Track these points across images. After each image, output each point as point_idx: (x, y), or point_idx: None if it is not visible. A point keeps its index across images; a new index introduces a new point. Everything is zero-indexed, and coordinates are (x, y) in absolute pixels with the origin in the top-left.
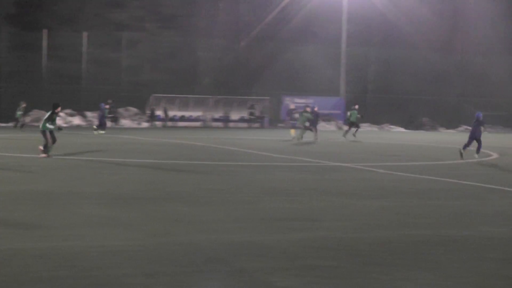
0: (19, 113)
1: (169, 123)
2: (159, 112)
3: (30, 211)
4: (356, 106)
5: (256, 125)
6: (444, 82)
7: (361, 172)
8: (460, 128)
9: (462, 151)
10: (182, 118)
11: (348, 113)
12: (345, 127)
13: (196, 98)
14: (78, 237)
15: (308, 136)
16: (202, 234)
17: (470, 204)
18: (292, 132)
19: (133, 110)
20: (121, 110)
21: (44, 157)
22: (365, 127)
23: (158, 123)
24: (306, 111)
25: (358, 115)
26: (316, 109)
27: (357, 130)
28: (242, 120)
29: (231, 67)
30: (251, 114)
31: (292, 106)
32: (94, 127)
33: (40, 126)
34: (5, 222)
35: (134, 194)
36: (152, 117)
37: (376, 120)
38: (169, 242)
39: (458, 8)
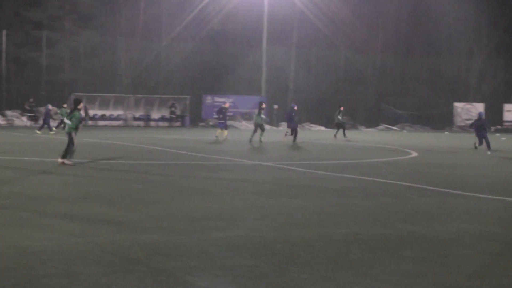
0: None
1: (90, 122)
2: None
3: None
4: (342, 108)
5: (177, 124)
6: (363, 82)
7: (280, 171)
8: (380, 127)
9: (476, 145)
10: (103, 117)
11: (336, 118)
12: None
13: (117, 97)
14: None
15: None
16: (120, 234)
17: (388, 203)
18: (219, 132)
19: (54, 109)
20: (41, 109)
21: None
22: (284, 126)
23: None
24: (341, 110)
25: (339, 117)
26: (295, 108)
27: (344, 131)
28: (163, 119)
29: (152, 67)
30: (172, 113)
31: (226, 105)
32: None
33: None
34: None
35: (53, 194)
36: None
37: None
38: (87, 242)
39: (378, 8)
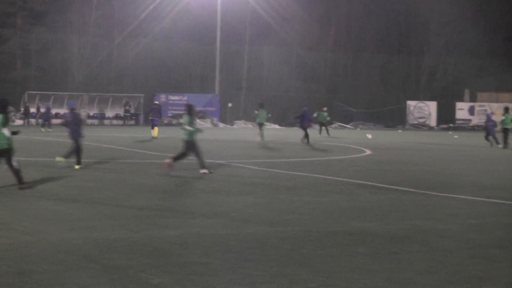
0: None
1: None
2: (33, 110)
3: None
4: (325, 108)
5: (131, 122)
6: (315, 79)
7: (233, 168)
8: (334, 125)
9: (492, 141)
10: (57, 116)
11: (315, 114)
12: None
13: (71, 95)
14: None
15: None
16: (72, 232)
17: (340, 200)
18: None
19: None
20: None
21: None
22: (239, 124)
23: (32, 121)
24: (324, 110)
25: (328, 118)
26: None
27: (327, 129)
28: (117, 117)
29: (104, 64)
30: (126, 111)
31: (156, 102)
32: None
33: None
34: None
35: (2, 191)
36: (26, 115)
37: (251, 117)
38: (40, 240)
39: (329, 6)
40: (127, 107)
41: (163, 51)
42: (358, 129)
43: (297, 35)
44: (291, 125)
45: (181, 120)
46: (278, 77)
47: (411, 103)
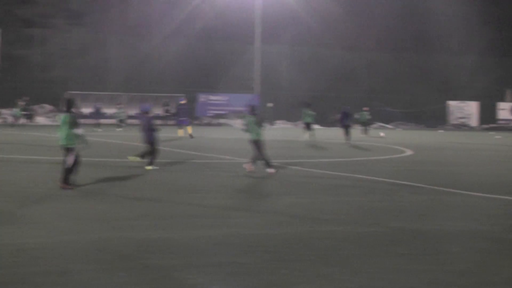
0: (15, 110)
1: (84, 120)
2: (73, 109)
3: None
4: (366, 108)
5: (172, 122)
6: (355, 80)
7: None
8: (374, 125)
9: None
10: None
11: (357, 115)
12: (359, 127)
13: (111, 95)
14: None
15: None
16: (113, 232)
17: (379, 200)
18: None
19: (48, 107)
20: (35, 107)
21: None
22: (279, 124)
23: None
24: (364, 110)
25: (369, 117)
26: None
27: (366, 129)
28: (157, 117)
29: (144, 64)
30: (166, 111)
31: (183, 102)
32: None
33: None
34: None
35: (45, 192)
36: None
37: (290, 117)
38: (80, 240)
39: (370, 6)
40: (167, 107)
41: (203, 50)
42: (399, 129)
43: (337, 35)
44: (331, 125)
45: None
46: (317, 77)
47: (451, 103)
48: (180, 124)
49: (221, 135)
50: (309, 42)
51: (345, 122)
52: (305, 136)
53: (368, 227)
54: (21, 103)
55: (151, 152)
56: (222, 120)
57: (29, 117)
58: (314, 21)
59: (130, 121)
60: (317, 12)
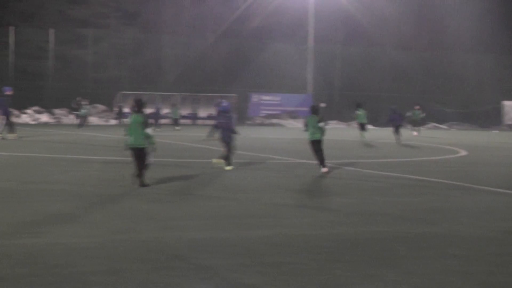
0: (83, 111)
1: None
2: (126, 109)
3: None
4: (417, 107)
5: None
6: (408, 79)
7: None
8: (428, 125)
9: None
10: (150, 115)
11: (410, 113)
12: (408, 126)
13: (164, 95)
14: (40, 234)
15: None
16: (165, 231)
17: (432, 201)
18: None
19: (101, 107)
20: (88, 107)
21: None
22: (333, 124)
23: (125, 120)
24: (416, 109)
25: (423, 115)
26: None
27: (417, 129)
28: (210, 117)
29: (197, 64)
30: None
31: (224, 104)
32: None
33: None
34: None
35: (97, 191)
36: (120, 114)
37: (344, 117)
38: (131, 239)
39: (423, 5)
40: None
41: (256, 50)
42: (453, 129)
43: (390, 34)
44: (383, 125)
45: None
46: (370, 77)
47: (507, 103)
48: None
49: (273, 135)
50: (362, 42)
51: (395, 122)
52: (363, 135)
53: (421, 228)
54: (84, 102)
55: (229, 151)
56: (274, 120)
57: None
58: (367, 20)
59: (182, 121)
60: (370, 11)
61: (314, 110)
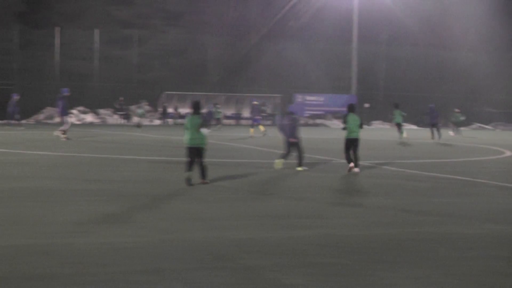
0: (140, 111)
1: (181, 121)
2: (170, 109)
3: (34, 208)
4: (457, 110)
5: (268, 122)
6: (454, 79)
7: (369, 169)
8: (473, 126)
9: None
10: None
11: (453, 118)
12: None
13: (208, 95)
14: (83, 233)
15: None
16: (208, 231)
17: (477, 202)
18: (252, 130)
19: (145, 107)
20: (132, 107)
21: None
22: (376, 125)
23: (170, 120)
24: (456, 112)
25: (462, 118)
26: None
27: (457, 130)
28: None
29: (241, 65)
30: (263, 111)
31: (255, 102)
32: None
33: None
34: (9, 219)
35: (140, 191)
36: (164, 114)
37: (388, 117)
38: (175, 239)
39: (468, 5)
40: (264, 108)
41: (299, 51)
42: (498, 130)
43: (435, 34)
44: (425, 125)
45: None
46: (415, 77)
47: None
48: (253, 124)
49: (317, 135)
50: (406, 42)
51: (432, 120)
52: (402, 136)
53: (464, 229)
54: (145, 103)
55: (297, 152)
56: (318, 121)
57: (126, 117)
58: (411, 20)
59: (226, 121)
60: (414, 11)
61: (352, 108)
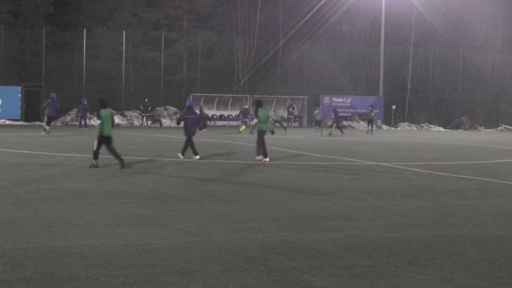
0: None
1: (208, 123)
2: (198, 111)
3: (66, 210)
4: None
5: (295, 124)
6: (481, 81)
7: (397, 171)
8: (500, 128)
9: None
10: (221, 117)
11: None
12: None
13: (235, 97)
14: (114, 235)
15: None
16: (238, 233)
17: (508, 204)
18: (242, 128)
19: (172, 109)
20: (160, 109)
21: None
22: (404, 126)
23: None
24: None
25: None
26: None
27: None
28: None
29: (269, 66)
30: (290, 113)
31: (246, 106)
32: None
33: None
34: (42, 221)
35: (170, 193)
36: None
37: (415, 119)
38: (205, 241)
39: (497, 5)
40: (291, 109)
41: (327, 53)
42: None
43: (463, 36)
44: (456, 127)
45: (348, 122)
46: (443, 79)
47: None
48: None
49: (344, 137)
50: (434, 43)
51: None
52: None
53: (495, 231)
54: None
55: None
56: (345, 122)
57: (152, 118)
58: (439, 21)
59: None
60: (442, 12)
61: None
